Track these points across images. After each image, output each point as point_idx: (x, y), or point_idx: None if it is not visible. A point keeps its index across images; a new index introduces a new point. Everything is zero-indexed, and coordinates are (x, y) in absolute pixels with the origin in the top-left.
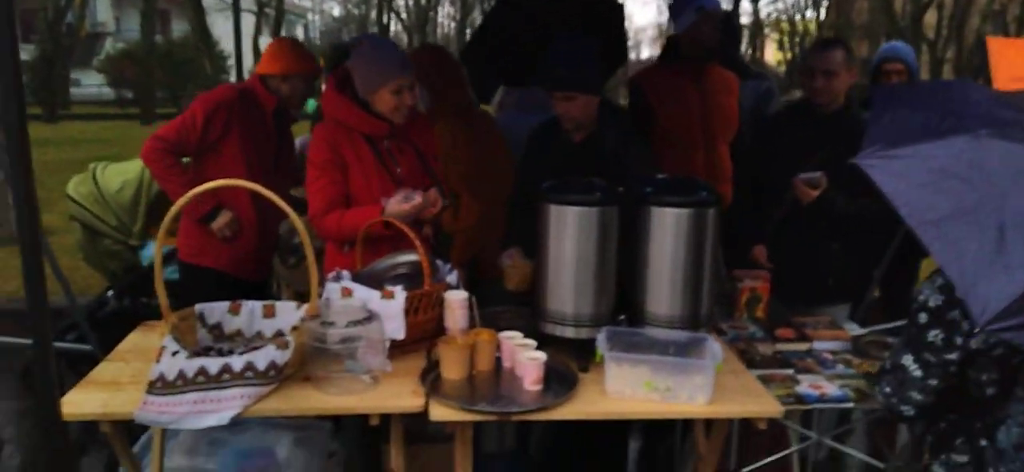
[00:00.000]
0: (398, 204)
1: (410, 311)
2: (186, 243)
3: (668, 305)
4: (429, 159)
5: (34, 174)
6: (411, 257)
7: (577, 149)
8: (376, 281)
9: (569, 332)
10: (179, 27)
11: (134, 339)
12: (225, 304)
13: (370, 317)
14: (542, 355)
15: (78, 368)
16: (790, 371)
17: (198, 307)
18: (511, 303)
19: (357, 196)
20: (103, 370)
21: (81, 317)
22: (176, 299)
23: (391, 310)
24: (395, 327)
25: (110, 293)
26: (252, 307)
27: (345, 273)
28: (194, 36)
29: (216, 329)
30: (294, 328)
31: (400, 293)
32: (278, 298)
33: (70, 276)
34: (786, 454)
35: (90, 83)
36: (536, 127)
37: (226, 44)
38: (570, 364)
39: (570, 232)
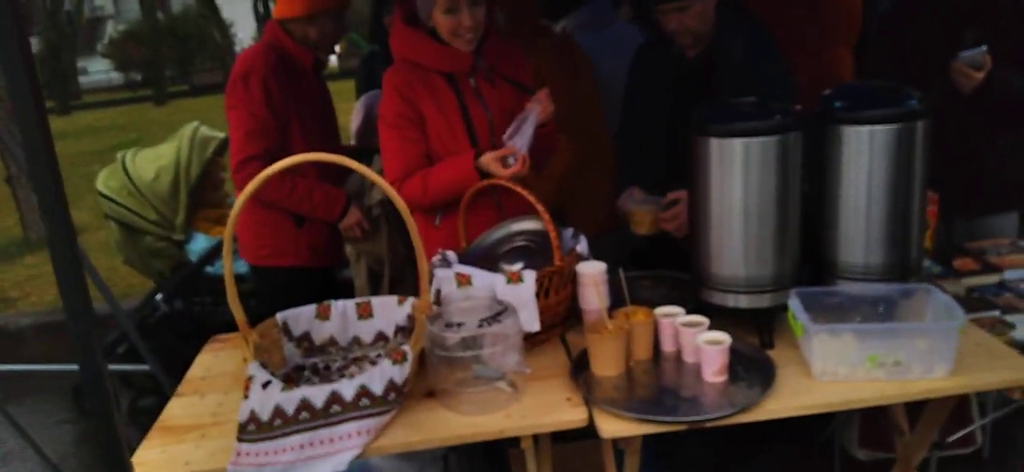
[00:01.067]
0: (495, 161)
1: (540, 294)
2: (255, 242)
3: (868, 252)
4: (525, 85)
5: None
6: (527, 224)
7: (694, 66)
8: (489, 260)
9: (743, 301)
10: (178, 1)
11: (204, 362)
12: (311, 308)
13: (503, 310)
14: (726, 338)
15: (133, 381)
16: (995, 312)
17: (280, 317)
18: (629, 263)
19: (440, 156)
20: (175, 410)
21: (129, 326)
22: (246, 307)
23: (521, 296)
24: (528, 317)
25: (158, 296)
26: (344, 308)
27: (451, 254)
28: (197, 6)
29: (305, 341)
30: (400, 329)
31: (528, 275)
32: (351, 279)
33: (109, 278)
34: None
35: (97, 70)
36: (643, 46)
37: (227, 11)
38: (747, 341)
39: (741, 172)
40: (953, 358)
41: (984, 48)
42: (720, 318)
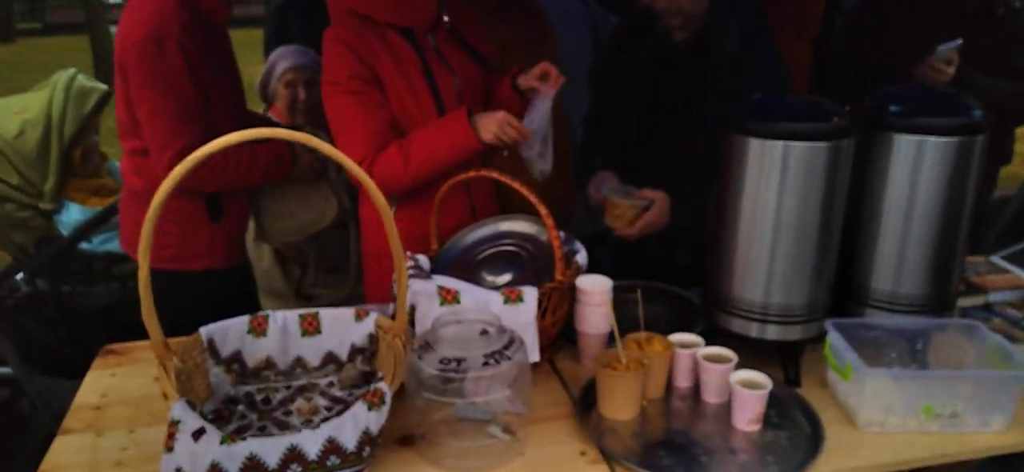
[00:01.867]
0: (494, 122)
1: (538, 315)
2: (155, 241)
3: (904, 279)
4: (488, 59)
5: None
6: (513, 224)
7: (680, 50)
8: (466, 267)
9: (771, 332)
10: None
11: (98, 384)
12: (242, 322)
13: (511, 342)
14: (765, 381)
15: None
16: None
17: (206, 332)
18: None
19: (405, 128)
20: (63, 454)
21: None
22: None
23: (519, 320)
24: (528, 345)
25: (19, 275)
26: (284, 321)
27: (423, 259)
28: None
29: (235, 363)
30: (357, 350)
31: (529, 293)
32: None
33: None
34: None
35: None
36: (620, 26)
37: None
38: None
39: (780, 180)
40: (1013, 409)
41: (959, 41)
42: (730, 345)
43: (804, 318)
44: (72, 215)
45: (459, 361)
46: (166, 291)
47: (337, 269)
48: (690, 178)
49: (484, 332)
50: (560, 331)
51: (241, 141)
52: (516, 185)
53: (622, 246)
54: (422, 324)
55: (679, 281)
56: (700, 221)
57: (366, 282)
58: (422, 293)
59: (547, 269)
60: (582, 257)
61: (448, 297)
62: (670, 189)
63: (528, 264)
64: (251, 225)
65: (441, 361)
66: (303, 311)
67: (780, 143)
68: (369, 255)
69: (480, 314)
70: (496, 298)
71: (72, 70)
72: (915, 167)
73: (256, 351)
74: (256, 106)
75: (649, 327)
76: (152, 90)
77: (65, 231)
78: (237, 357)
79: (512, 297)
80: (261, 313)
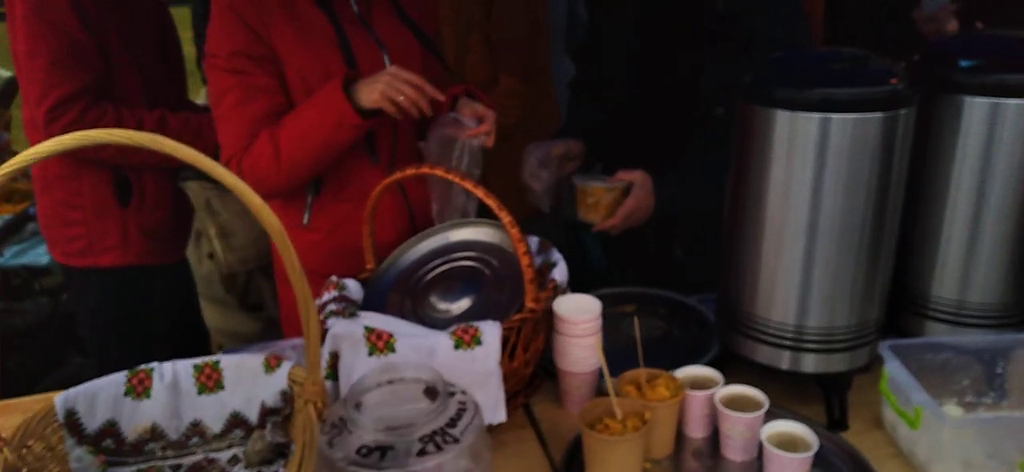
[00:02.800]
0: (379, 82)
1: (505, 354)
2: (63, 232)
3: (976, 284)
4: (430, 37)
5: None
6: (467, 232)
7: (672, 9)
8: (414, 291)
9: (808, 363)
10: None
11: None
12: (116, 381)
13: (461, 411)
14: (811, 438)
15: None
16: None
17: (62, 402)
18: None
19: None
20: None
21: None
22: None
23: (478, 368)
24: (489, 403)
25: None
26: (173, 375)
27: (352, 286)
28: None
29: (107, 439)
30: (269, 411)
31: (490, 332)
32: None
33: None
34: None
35: None
36: None
37: None
38: (798, 413)
39: (816, 167)
40: None
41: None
42: (754, 379)
43: (851, 343)
44: None
45: (384, 450)
46: (83, 294)
47: None
48: (690, 153)
49: (428, 392)
50: (537, 367)
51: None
52: (460, 181)
53: (613, 238)
54: (348, 377)
55: (685, 280)
56: (703, 205)
57: (281, 308)
58: (345, 338)
59: (515, 290)
60: (561, 272)
61: (379, 343)
62: (662, 167)
63: (491, 284)
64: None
65: (360, 450)
66: (199, 360)
67: (817, 116)
68: (281, 276)
69: (419, 371)
70: (444, 341)
71: None
72: (989, 139)
73: (137, 418)
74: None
75: (650, 352)
76: (28, 25)
77: None
78: (110, 430)
79: (466, 340)
80: (143, 367)
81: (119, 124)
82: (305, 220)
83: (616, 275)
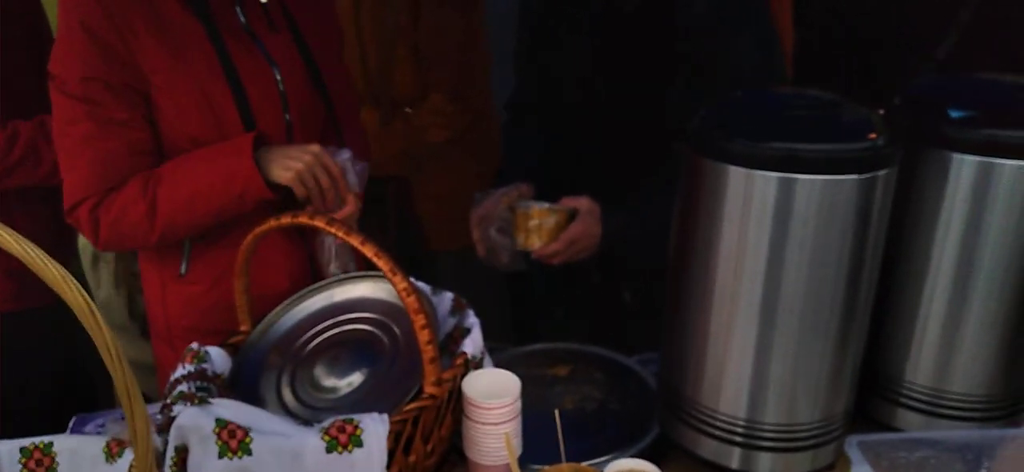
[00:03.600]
0: (298, 159)
1: (396, 450)
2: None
3: (968, 374)
4: (319, 50)
5: None
6: (361, 288)
7: (629, 25)
8: (296, 360)
9: (764, 464)
10: None
11: None
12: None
13: None
14: None
15: None
16: None
17: None
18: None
19: (179, 147)
20: None
21: None
22: None
23: None
24: None
25: None
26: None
27: (217, 356)
28: None
29: None
30: None
31: (372, 427)
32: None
33: None
34: None
35: None
36: None
37: None
38: None
39: (775, 235)
40: None
41: None
42: (697, 470)
43: (814, 440)
44: None
45: None
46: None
47: None
48: (645, 187)
49: None
50: (446, 451)
51: None
52: (344, 237)
53: (555, 272)
54: None
55: (631, 329)
56: (656, 246)
57: (161, 369)
58: (193, 431)
59: (416, 364)
60: (474, 343)
61: (232, 443)
62: (608, 198)
63: (389, 355)
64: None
65: None
66: (27, 442)
67: (778, 176)
68: (157, 333)
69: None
70: (313, 443)
71: None
72: (979, 203)
73: None
74: None
75: (582, 430)
76: None
77: None
78: None
79: (342, 440)
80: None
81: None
82: (182, 270)
83: (558, 316)
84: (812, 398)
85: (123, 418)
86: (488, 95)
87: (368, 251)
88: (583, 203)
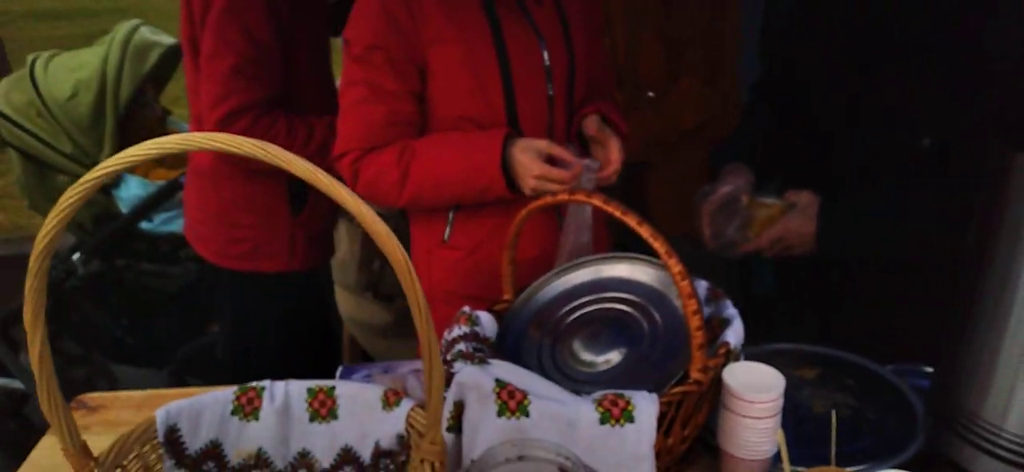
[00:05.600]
0: (534, 170)
1: (660, 431)
2: (226, 235)
3: None
4: (580, 26)
5: None
6: (620, 268)
7: (888, 9)
8: (555, 333)
9: None
10: None
11: (48, 456)
12: (223, 397)
13: None
14: None
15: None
16: None
17: (163, 419)
18: None
19: (446, 122)
20: None
21: None
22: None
23: (628, 450)
24: None
25: (75, 255)
26: (285, 397)
27: (486, 320)
28: None
29: (209, 461)
30: (384, 453)
31: (645, 406)
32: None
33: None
34: None
35: None
36: None
37: None
38: None
39: None
40: None
41: None
42: None
43: None
44: (131, 190)
45: None
46: (236, 298)
47: None
48: (879, 186)
49: None
50: (694, 439)
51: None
52: (621, 216)
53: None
54: (472, 436)
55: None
56: (885, 252)
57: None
58: (472, 388)
59: (676, 348)
60: (735, 333)
61: (510, 403)
62: (840, 196)
63: (647, 337)
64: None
65: None
66: (313, 384)
67: None
68: (435, 294)
69: (555, 451)
70: (588, 413)
71: (135, 22)
72: None
73: (243, 441)
74: None
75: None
76: (219, 23)
77: (124, 208)
78: (213, 452)
79: (615, 414)
80: (253, 385)
81: (290, 134)
82: (446, 236)
83: (787, 311)
84: None
85: (386, 372)
86: (734, 78)
87: (645, 232)
88: (803, 198)
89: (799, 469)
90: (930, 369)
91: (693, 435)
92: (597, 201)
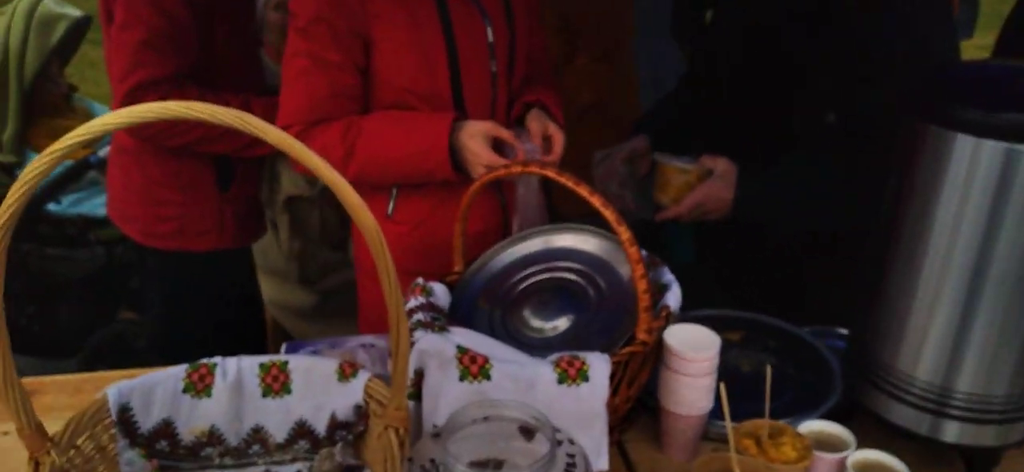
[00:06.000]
0: (485, 140)
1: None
2: (150, 212)
3: None
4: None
5: None
6: (568, 238)
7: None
8: (506, 302)
9: (951, 432)
10: None
11: None
12: (175, 374)
13: (572, 466)
14: None
15: None
16: None
17: (115, 397)
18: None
19: (394, 99)
20: None
21: None
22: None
23: (583, 409)
24: (592, 446)
25: None
26: (237, 373)
27: (439, 291)
28: None
29: (161, 440)
30: (341, 425)
31: (598, 365)
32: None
33: None
34: None
35: None
36: None
37: None
38: None
39: (993, 207)
40: None
41: None
42: (881, 435)
43: (1007, 414)
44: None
45: None
46: (162, 278)
47: (345, 245)
48: (790, 158)
49: (524, 431)
50: (636, 398)
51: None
52: (573, 185)
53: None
54: (434, 400)
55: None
56: (793, 220)
57: (361, 306)
58: (433, 355)
59: (620, 313)
60: (674, 297)
61: (472, 368)
62: (755, 166)
63: (593, 303)
64: None
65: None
66: (265, 359)
67: (1005, 146)
68: (363, 269)
69: (523, 412)
70: (547, 373)
71: None
72: None
73: (195, 419)
74: None
75: (761, 395)
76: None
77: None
78: (165, 431)
79: (571, 373)
80: (205, 362)
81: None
82: (389, 210)
83: (706, 276)
84: (1011, 370)
85: (334, 347)
86: (630, 56)
87: (597, 201)
88: (719, 164)
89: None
90: (843, 331)
91: (636, 394)
92: (550, 172)
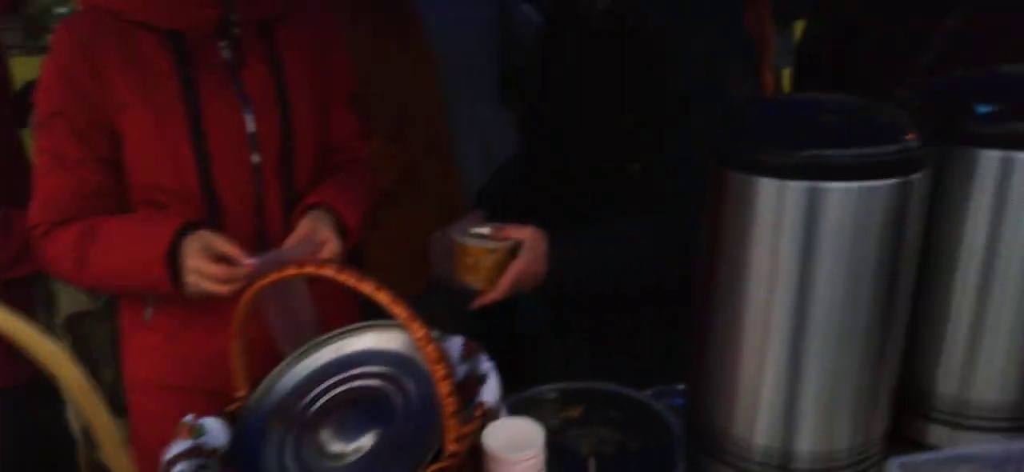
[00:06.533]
0: (206, 252)
1: None
2: None
3: (999, 380)
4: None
5: None
6: (366, 339)
7: (602, 27)
8: (300, 424)
9: None
10: None
11: None
12: None
13: None
14: None
15: None
16: None
17: None
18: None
19: (142, 194)
20: None
21: None
22: None
23: None
24: None
25: None
26: None
27: (212, 427)
28: None
29: None
30: None
31: None
32: None
33: None
34: None
35: None
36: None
37: None
38: None
39: (804, 248)
40: None
41: None
42: None
43: (853, 467)
44: None
45: None
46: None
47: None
48: (597, 215)
49: None
50: None
51: None
52: (373, 293)
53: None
54: None
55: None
56: (610, 278)
57: (133, 421)
58: None
59: (432, 417)
60: (491, 391)
61: None
62: (563, 228)
63: (400, 412)
64: None
65: None
66: None
67: (808, 185)
68: (136, 383)
69: None
70: None
71: None
72: (1001, 199)
73: None
74: None
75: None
76: None
77: None
78: None
79: None
80: None
81: None
82: (147, 315)
83: (557, 347)
84: (850, 420)
85: None
86: (437, 131)
87: (383, 298)
88: (526, 234)
89: None
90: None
91: None
92: (329, 271)
